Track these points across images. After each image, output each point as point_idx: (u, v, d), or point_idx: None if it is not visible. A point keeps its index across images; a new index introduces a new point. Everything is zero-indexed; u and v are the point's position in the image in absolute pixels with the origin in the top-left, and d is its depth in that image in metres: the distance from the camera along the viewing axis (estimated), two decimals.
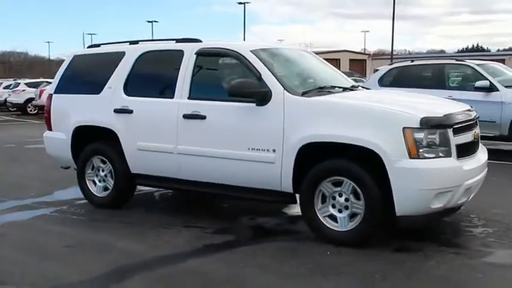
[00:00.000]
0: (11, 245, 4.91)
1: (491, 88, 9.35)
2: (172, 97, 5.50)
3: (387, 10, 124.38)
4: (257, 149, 4.96)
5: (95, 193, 6.22)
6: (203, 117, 5.25)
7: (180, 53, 5.58)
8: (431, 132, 4.35)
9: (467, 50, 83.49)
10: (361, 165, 4.52)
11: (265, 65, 5.10)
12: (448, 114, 4.59)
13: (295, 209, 5.94)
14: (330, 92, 5.20)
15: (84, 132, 6.19)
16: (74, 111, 6.26)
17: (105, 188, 6.15)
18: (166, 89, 5.68)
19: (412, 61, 10.99)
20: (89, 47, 6.71)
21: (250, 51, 5.25)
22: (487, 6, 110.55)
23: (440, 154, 4.39)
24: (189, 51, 5.51)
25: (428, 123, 4.33)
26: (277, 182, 4.92)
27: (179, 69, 5.51)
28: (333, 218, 4.70)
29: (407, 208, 4.36)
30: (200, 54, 5.45)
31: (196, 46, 5.52)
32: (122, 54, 6.03)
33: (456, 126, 4.55)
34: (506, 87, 9.44)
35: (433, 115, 4.44)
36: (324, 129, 4.62)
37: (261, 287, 3.84)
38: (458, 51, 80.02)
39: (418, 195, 4.32)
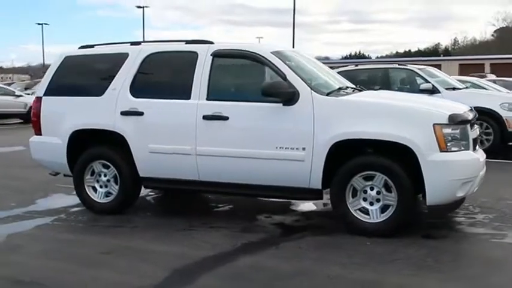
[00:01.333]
0: (39, 255, 4.65)
1: (434, 90, 10.21)
2: (188, 98, 5.49)
3: (274, 18, 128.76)
4: (286, 148, 5.12)
5: (95, 199, 5.99)
6: (225, 118, 5.30)
7: (194, 54, 5.59)
8: (456, 127, 4.80)
9: (350, 56, 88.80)
10: (393, 159, 4.86)
11: (288, 67, 5.28)
12: (465, 111, 5.07)
13: (302, 205, 6.19)
14: (347, 93, 5.50)
15: (83, 136, 5.96)
16: (70, 114, 6.00)
17: (108, 194, 5.95)
18: (179, 90, 5.65)
19: (356, 65, 11.67)
20: (81, 47, 6.44)
21: (271, 52, 5.40)
22: (365, 16, 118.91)
23: (462, 147, 4.85)
24: (204, 53, 5.53)
25: (454, 120, 4.77)
26: (305, 179, 5.11)
27: (194, 70, 5.51)
28: (363, 211, 4.98)
29: (437, 198, 4.76)
30: (217, 55, 5.50)
31: (211, 48, 5.56)
32: (124, 56, 5.89)
33: (471, 122, 5.05)
34: (446, 89, 10.35)
35: (456, 112, 4.90)
36: (358, 127, 4.89)
37: (332, 277, 4.01)
38: (342, 58, 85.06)
39: (448, 186, 4.74)
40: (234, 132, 5.32)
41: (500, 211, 5.73)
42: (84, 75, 6.20)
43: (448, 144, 4.74)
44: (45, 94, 6.19)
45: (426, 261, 4.28)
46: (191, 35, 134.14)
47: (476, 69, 39.65)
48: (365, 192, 4.97)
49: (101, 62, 6.15)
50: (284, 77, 5.17)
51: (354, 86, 6.16)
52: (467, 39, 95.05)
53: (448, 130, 4.74)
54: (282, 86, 5.06)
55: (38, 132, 6.24)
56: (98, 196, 6.00)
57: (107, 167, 5.93)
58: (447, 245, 4.72)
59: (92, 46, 6.33)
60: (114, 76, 5.85)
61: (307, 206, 6.19)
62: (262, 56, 5.37)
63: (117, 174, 5.85)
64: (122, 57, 5.90)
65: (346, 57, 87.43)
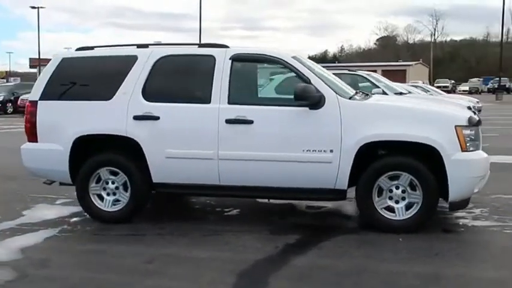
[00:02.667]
0: (77, 268, 4.40)
1: (384, 94, 10.82)
2: (208, 102, 5.43)
3: (166, 22, 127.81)
4: (313, 150, 5.24)
5: (102, 208, 5.71)
6: (250, 122, 5.32)
7: (210, 58, 5.54)
8: (472, 129, 5.20)
9: None
10: (417, 159, 5.16)
11: (311, 71, 5.42)
12: (476, 114, 5.51)
13: (305, 206, 6.33)
14: (365, 97, 5.74)
15: (87, 142, 5.67)
16: (73, 119, 5.68)
17: (116, 202, 5.70)
18: (197, 94, 5.58)
19: None
20: (79, 49, 6.10)
21: (292, 57, 5.50)
22: (257, 23, 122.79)
23: (476, 148, 5.26)
24: (222, 57, 5.50)
25: (471, 122, 5.17)
26: (331, 180, 5.27)
27: (213, 74, 5.46)
28: (389, 209, 5.23)
29: (458, 194, 5.13)
30: (236, 59, 5.50)
31: (229, 51, 5.55)
32: (133, 58, 5.68)
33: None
34: (395, 93, 11.02)
35: (472, 115, 5.30)
36: (386, 129, 5.14)
37: (393, 272, 4.19)
38: None
39: (468, 182, 5.13)
40: (259, 136, 5.35)
41: (491, 205, 6.24)
42: (86, 78, 5.87)
43: (467, 145, 5.12)
44: (42, 98, 5.79)
45: (466, 253, 4.63)
46: (80, 37, 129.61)
47: None
48: (390, 191, 5.23)
49: (106, 64, 5.86)
50: (309, 82, 5.29)
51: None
52: (352, 47, 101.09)
53: (467, 131, 5.13)
54: (311, 90, 5.18)
55: (33, 139, 5.83)
56: (105, 204, 5.72)
57: (115, 174, 5.68)
58: (469, 237, 5.14)
59: (91, 48, 6.03)
60: (123, 79, 5.63)
61: (312, 206, 6.35)
62: (284, 61, 5.46)
63: (128, 181, 5.63)
64: (130, 60, 5.69)
65: None
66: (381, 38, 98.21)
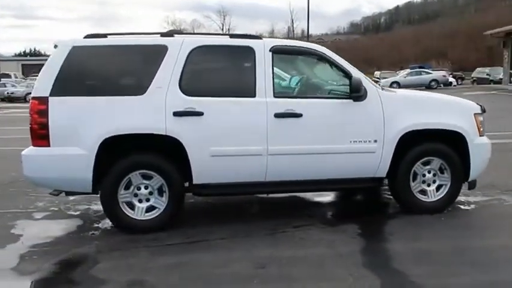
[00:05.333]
0: (177, 283, 3.90)
1: None
2: (253, 96, 5.20)
3: None
4: (359, 141, 5.41)
5: (133, 217, 5.08)
6: (299, 115, 5.25)
7: (249, 49, 5.29)
8: (482, 116, 5.90)
9: (24, 54, 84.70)
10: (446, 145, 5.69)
11: (350, 65, 5.55)
12: None
13: (319, 197, 6.46)
14: (391, 89, 6.06)
15: (116, 144, 4.97)
16: (99, 117, 4.92)
17: (150, 209, 5.12)
18: (240, 87, 5.30)
19: None
20: (88, 37, 5.21)
21: (329, 51, 5.56)
22: (31, 11, 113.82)
23: (484, 133, 5.98)
24: (261, 48, 5.30)
25: (483, 110, 5.87)
26: (374, 169, 5.51)
27: (254, 66, 5.24)
28: (422, 192, 5.67)
29: (476, 173, 5.79)
30: (276, 51, 5.35)
31: (268, 43, 5.37)
32: (162, 48, 5.13)
33: None
34: None
35: (481, 104, 6.00)
36: (424, 118, 5.54)
37: (464, 248, 4.62)
38: (16, 55, 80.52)
39: (483, 163, 5.82)
40: (308, 129, 5.30)
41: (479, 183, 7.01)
42: (107, 70, 5.11)
43: (481, 130, 5.81)
44: (53, 94, 4.87)
45: (501, 225, 5.29)
46: None
47: None
48: (423, 175, 5.66)
49: (130, 54, 5.16)
50: (350, 75, 5.42)
51: None
52: None
53: (481, 118, 5.81)
54: (362, 83, 5.32)
55: (42, 143, 4.88)
56: (136, 213, 5.09)
57: (148, 178, 5.09)
58: (487, 211, 5.82)
59: (103, 35, 5.24)
60: (155, 72, 5.06)
61: (325, 197, 6.49)
62: (325, 54, 5.49)
63: (165, 185, 5.09)
64: (159, 50, 5.13)
65: (20, 54, 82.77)
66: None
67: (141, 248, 4.69)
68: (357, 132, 5.41)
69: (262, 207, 6.23)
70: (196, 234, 5.04)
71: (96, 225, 5.46)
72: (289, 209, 6.10)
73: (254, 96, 5.20)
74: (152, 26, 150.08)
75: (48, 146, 4.88)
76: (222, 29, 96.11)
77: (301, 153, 5.29)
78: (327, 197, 6.53)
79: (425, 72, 41.99)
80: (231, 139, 5.17)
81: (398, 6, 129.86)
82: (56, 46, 5.31)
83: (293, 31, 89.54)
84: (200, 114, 5.06)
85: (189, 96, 5.08)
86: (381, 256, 4.42)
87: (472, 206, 6.00)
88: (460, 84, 44.34)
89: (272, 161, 5.23)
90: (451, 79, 42.49)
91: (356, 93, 5.28)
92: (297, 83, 5.85)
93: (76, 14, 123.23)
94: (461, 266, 4.19)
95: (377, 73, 49.75)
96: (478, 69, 46.57)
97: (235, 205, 6.17)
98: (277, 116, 5.19)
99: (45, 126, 4.86)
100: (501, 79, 38.16)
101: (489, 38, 42.22)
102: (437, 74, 41.24)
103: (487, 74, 42.96)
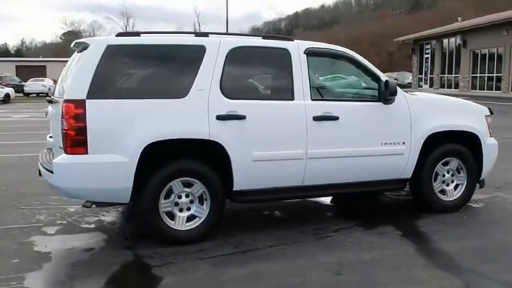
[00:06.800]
0: None
1: None
2: (292, 99, 5.10)
3: None
4: (390, 143, 5.49)
5: (174, 227, 4.77)
6: (336, 118, 5.22)
7: (285, 51, 5.18)
8: (490, 118, 6.20)
9: None
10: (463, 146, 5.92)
11: (377, 69, 5.61)
12: None
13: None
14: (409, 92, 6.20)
15: (158, 149, 4.65)
16: (140, 122, 4.57)
17: (191, 218, 4.84)
18: (279, 90, 5.21)
19: None
20: (121, 35, 4.79)
21: (358, 55, 5.57)
22: None
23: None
24: (296, 50, 5.21)
25: (491, 112, 6.19)
26: (401, 170, 5.61)
27: (291, 68, 5.14)
28: (442, 191, 5.86)
29: (486, 172, 6.09)
30: (309, 54, 5.28)
31: (301, 45, 5.28)
32: (200, 49, 4.87)
33: None
34: None
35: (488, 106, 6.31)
36: (446, 120, 5.72)
37: (505, 243, 4.88)
38: None
39: (492, 163, 6.13)
40: (344, 132, 5.28)
41: (502, 181, 7.26)
42: (145, 70, 4.77)
43: (490, 131, 6.12)
44: (90, 97, 4.45)
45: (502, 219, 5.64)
46: None
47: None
48: (443, 175, 5.85)
49: (168, 54, 4.82)
50: (379, 78, 5.49)
51: None
52: (36, 41, 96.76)
53: (489, 120, 6.12)
54: (396, 86, 5.41)
55: (79, 150, 4.44)
56: (177, 223, 4.79)
57: (189, 185, 4.82)
58: (497, 207, 6.13)
59: (136, 34, 4.88)
60: (196, 73, 4.80)
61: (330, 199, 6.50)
62: (355, 57, 5.50)
63: (206, 192, 4.84)
64: (197, 50, 4.87)
65: None
66: (67, 32, 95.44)
67: (197, 261, 4.40)
68: (387, 134, 5.48)
69: (280, 212, 6.10)
70: (241, 243, 4.84)
71: (124, 238, 5.07)
72: (309, 213, 6.03)
73: (293, 99, 5.10)
74: (50, 27, 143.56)
75: (86, 153, 4.45)
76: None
77: (337, 156, 5.26)
78: (335, 199, 6.56)
79: None
80: (273, 143, 5.02)
81: (297, 12, 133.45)
82: (76, 45, 4.91)
83: None
84: (243, 117, 4.86)
85: (230, 99, 4.86)
86: (442, 256, 4.48)
87: (480, 204, 6.28)
88: None
89: (310, 164, 5.16)
90: None
91: (393, 95, 5.35)
92: (330, 86, 5.82)
93: None
94: None
95: None
96: (386, 73, 49.10)
97: (251, 210, 5.99)
98: (316, 119, 5.13)
99: (83, 132, 4.42)
100: (409, 83, 40.58)
101: (389, 44, 44.85)
102: None
103: (395, 79, 45.46)
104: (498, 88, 29.68)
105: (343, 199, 6.56)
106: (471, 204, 6.18)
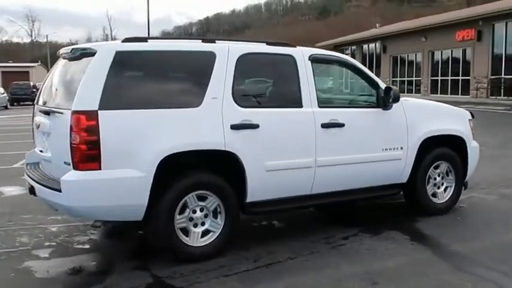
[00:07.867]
0: None
1: None
2: (300, 106, 5.02)
3: None
4: (389, 149, 5.55)
5: (189, 244, 4.52)
6: (342, 125, 5.20)
7: (290, 58, 5.09)
8: (472, 122, 6.45)
9: None
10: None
11: (375, 75, 5.66)
12: None
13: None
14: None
15: (173, 162, 4.38)
16: (155, 134, 4.28)
17: (205, 233, 4.61)
18: (288, 97, 5.08)
19: None
20: (127, 40, 4.44)
21: (358, 62, 5.59)
22: None
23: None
24: (301, 57, 5.14)
25: (473, 116, 6.43)
26: (398, 175, 5.69)
27: (297, 75, 5.06)
28: (433, 194, 6.00)
29: (470, 174, 6.32)
30: (313, 60, 5.22)
31: (305, 52, 5.22)
32: (211, 55, 4.66)
33: None
34: None
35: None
36: (439, 125, 5.87)
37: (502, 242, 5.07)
38: None
39: (475, 165, 6.37)
40: (349, 139, 5.27)
41: (473, 182, 7.43)
42: (157, 78, 4.46)
43: (473, 134, 6.36)
44: (103, 107, 4.11)
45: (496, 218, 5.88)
46: None
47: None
48: (435, 179, 6.00)
49: (178, 61, 4.55)
50: (378, 85, 5.53)
51: None
52: None
53: (471, 124, 6.36)
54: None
55: (93, 165, 4.08)
56: (192, 239, 4.54)
57: (203, 199, 4.59)
58: (480, 207, 6.37)
59: (144, 39, 4.56)
60: (208, 81, 4.58)
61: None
62: (356, 65, 5.52)
63: (221, 205, 4.64)
64: (207, 57, 4.65)
65: None
66: None
67: (222, 278, 4.19)
68: (387, 140, 5.53)
69: (278, 221, 5.96)
70: (258, 256, 4.67)
71: (128, 257, 4.73)
72: (306, 222, 5.95)
73: (301, 106, 5.02)
74: None
75: (99, 168, 4.10)
76: (31, 35, 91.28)
77: (343, 163, 5.24)
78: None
79: None
80: (285, 152, 4.90)
81: (208, 17, 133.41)
82: (73, 51, 4.55)
83: (112, 38, 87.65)
84: (256, 126, 4.71)
85: (243, 107, 4.70)
86: (462, 260, 4.55)
87: (463, 204, 6.49)
88: None
89: (319, 172, 5.09)
90: None
91: (395, 102, 5.40)
92: (333, 93, 5.78)
93: None
94: None
95: None
96: None
97: (250, 221, 5.81)
98: (324, 126, 5.08)
99: (96, 146, 4.07)
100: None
101: None
102: None
103: None
104: (418, 91, 31.28)
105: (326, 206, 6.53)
106: (456, 206, 6.38)
